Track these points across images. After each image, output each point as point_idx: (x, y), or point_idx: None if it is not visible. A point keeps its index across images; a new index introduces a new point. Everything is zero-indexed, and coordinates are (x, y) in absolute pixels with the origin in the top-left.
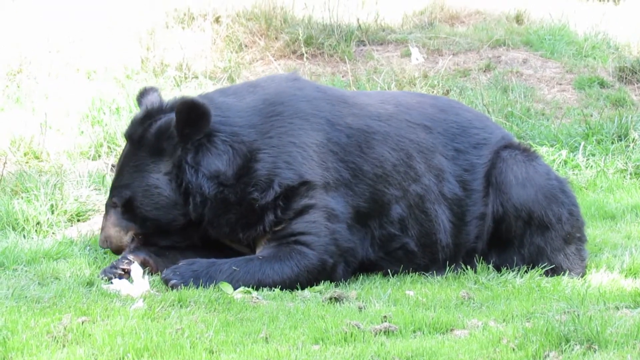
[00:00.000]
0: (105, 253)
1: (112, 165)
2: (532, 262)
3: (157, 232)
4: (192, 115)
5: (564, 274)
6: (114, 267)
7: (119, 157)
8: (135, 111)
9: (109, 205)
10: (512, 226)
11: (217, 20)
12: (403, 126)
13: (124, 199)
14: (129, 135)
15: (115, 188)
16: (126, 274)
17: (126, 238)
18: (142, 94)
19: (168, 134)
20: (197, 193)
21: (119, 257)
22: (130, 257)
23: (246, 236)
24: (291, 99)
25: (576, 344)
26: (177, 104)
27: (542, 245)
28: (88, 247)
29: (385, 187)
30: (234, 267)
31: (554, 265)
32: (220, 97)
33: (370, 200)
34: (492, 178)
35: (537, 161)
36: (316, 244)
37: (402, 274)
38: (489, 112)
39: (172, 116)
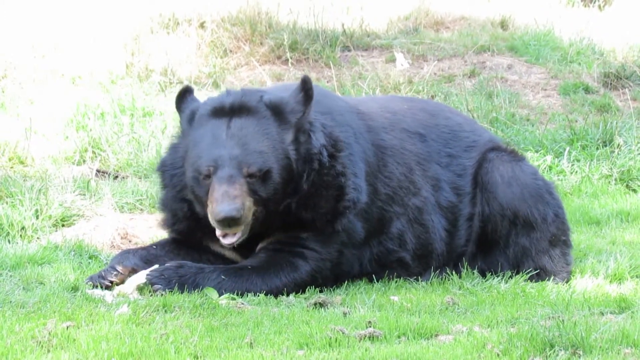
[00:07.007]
0: (90, 258)
1: (97, 170)
2: (517, 264)
3: (267, 214)
4: (310, 92)
5: (548, 278)
6: (102, 277)
7: (214, 130)
8: (121, 116)
9: (237, 175)
10: (498, 226)
11: (201, 25)
12: (404, 137)
13: (265, 169)
14: (241, 105)
15: (249, 155)
16: (113, 285)
17: (252, 211)
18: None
19: (291, 106)
20: (315, 160)
21: (107, 266)
22: (119, 268)
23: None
24: (335, 107)
25: (561, 350)
26: (303, 80)
27: (527, 245)
28: (73, 252)
29: (390, 206)
30: (222, 276)
31: (538, 269)
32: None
33: (377, 221)
34: (478, 178)
35: (523, 162)
36: (314, 261)
37: (386, 279)
38: (474, 117)
39: (283, 94)
